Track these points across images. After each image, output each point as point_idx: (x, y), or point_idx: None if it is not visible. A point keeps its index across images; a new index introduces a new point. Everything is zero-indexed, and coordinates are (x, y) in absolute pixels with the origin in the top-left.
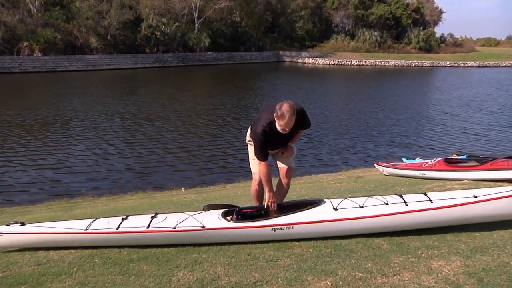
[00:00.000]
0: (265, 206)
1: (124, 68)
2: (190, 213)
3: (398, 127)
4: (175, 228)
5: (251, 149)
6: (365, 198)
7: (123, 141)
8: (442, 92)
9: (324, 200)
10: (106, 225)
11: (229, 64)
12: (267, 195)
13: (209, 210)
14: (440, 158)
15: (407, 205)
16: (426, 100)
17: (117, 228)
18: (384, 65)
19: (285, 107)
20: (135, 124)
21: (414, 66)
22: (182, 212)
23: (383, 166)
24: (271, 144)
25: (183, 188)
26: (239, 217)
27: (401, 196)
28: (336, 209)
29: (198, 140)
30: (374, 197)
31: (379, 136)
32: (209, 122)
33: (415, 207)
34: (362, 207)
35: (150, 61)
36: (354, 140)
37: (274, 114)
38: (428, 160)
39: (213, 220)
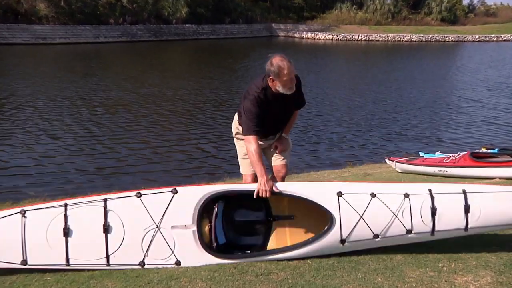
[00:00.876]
0: (255, 195)
1: (82, 43)
2: (159, 224)
3: (414, 116)
4: (141, 264)
5: (239, 145)
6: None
7: (74, 135)
8: (468, 73)
9: (333, 217)
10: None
11: (211, 39)
12: (258, 180)
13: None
14: (466, 152)
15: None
16: (448, 83)
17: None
18: (398, 41)
19: (277, 59)
20: (90, 113)
21: (434, 41)
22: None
23: (395, 162)
24: (265, 123)
25: (157, 184)
26: (227, 240)
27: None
28: (343, 242)
29: (169, 134)
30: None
31: (391, 127)
32: (184, 112)
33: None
34: (377, 236)
35: (115, 34)
36: (361, 131)
37: (269, 77)
38: (451, 155)
39: (189, 250)
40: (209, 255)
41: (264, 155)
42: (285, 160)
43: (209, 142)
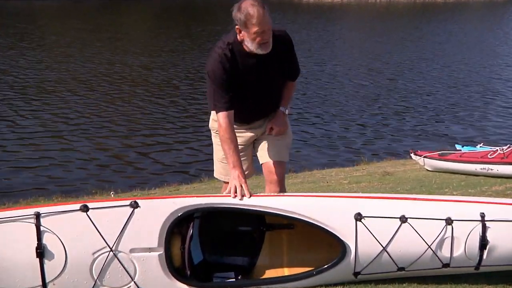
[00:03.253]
0: (230, 195)
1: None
2: (114, 247)
3: (448, 99)
4: None
5: (217, 142)
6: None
7: None
8: None
9: (346, 247)
10: None
11: None
12: (231, 176)
13: None
14: None
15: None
16: (495, 59)
17: None
18: None
19: (248, 3)
20: (16, 98)
21: None
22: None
23: (424, 157)
24: (242, 97)
25: (112, 193)
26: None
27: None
28: (357, 274)
29: (126, 123)
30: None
31: (418, 113)
32: (148, 95)
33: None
34: (403, 269)
35: None
36: (378, 118)
37: (236, 28)
38: (497, 148)
39: (154, 277)
40: (179, 283)
41: (254, 149)
42: (281, 154)
43: (179, 132)
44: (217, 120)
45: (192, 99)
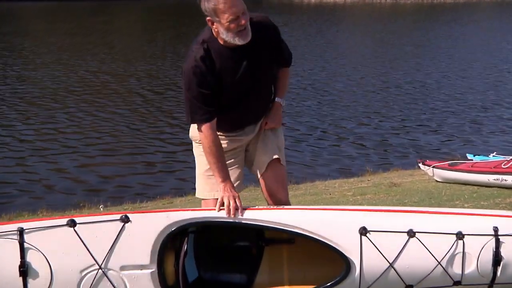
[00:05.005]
0: (218, 210)
1: None
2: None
3: (461, 105)
4: None
5: (199, 153)
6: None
7: None
8: None
9: (351, 263)
10: None
11: None
12: (220, 191)
13: None
14: None
15: None
16: (506, 64)
17: None
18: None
19: None
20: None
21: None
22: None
23: (433, 167)
24: (229, 101)
25: (101, 206)
26: None
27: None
28: None
29: (117, 132)
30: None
31: (427, 120)
32: (137, 101)
33: None
34: (411, 287)
35: None
36: (384, 126)
37: (207, 20)
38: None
39: None
40: None
41: (241, 157)
42: (280, 154)
43: (171, 142)
44: (200, 132)
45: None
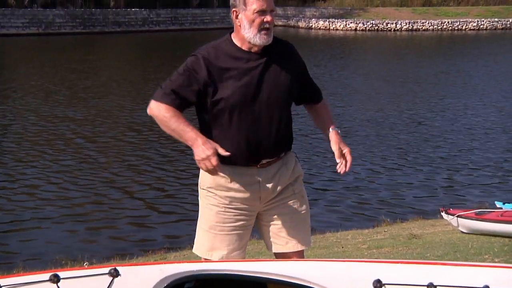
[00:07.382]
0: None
1: None
2: None
3: (484, 146)
4: None
5: (205, 204)
6: None
7: None
8: None
9: None
10: None
11: (171, 31)
12: (194, 148)
13: None
14: None
15: None
16: None
17: None
18: (458, 29)
19: None
20: None
21: None
22: None
23: (457, 216)
24: (235, 105)
25: (85, 264)
26: None
27: None
28: None
29: (104, 174)
30: None
31: (450, 165)
32: (127, 142)
33: None
34: None
35: (20, 22)
36: (402, 170)
37: (232, 12)
38: None
39: None
40: None
41: (251, 221)
42: (305, 239)
43: (166, 188)
44: (153, 108)
45: (180, 151)
